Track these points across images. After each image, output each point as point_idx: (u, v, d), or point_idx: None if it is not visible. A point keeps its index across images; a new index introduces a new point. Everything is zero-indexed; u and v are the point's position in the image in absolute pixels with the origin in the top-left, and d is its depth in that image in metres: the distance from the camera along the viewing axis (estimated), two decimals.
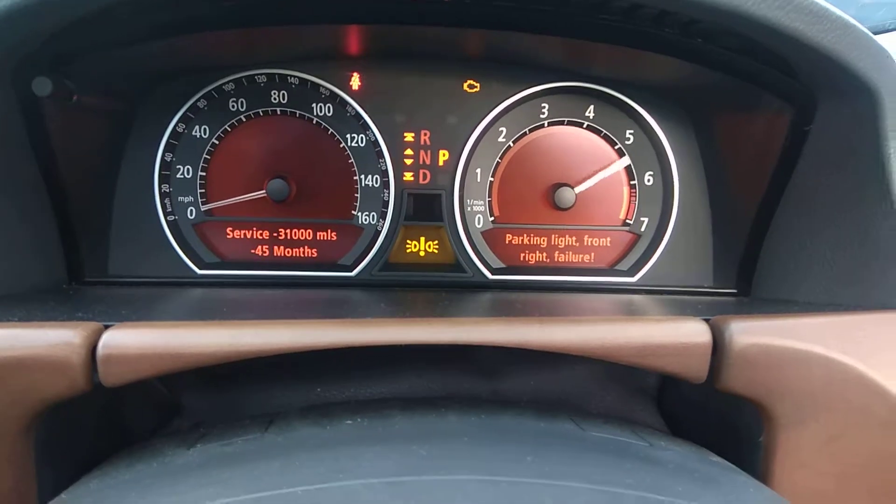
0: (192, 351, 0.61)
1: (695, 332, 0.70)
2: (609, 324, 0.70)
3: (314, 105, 1.09)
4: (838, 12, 0.73)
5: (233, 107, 1.08)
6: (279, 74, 1.07)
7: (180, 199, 1.08)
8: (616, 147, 1.13)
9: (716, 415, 0.85)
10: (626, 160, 1.13)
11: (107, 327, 0.63)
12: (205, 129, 1.07)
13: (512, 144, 1.12)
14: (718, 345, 0.70)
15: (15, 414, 0.62)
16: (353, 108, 1.09)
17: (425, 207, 1.12)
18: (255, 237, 1.11)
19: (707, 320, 0.72)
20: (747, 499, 0.57)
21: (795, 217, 0.92)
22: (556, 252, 1.15)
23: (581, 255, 1.15)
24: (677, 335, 0.70)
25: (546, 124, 1.12)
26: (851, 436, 0.72)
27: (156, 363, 0.61)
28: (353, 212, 1.11)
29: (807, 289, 0.89)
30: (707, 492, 0.56)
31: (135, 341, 0.62)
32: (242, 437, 0.63)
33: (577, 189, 1.10)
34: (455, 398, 0.75)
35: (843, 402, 0.72)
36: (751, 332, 0.70)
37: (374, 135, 1.09)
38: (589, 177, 1.12)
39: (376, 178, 1.11)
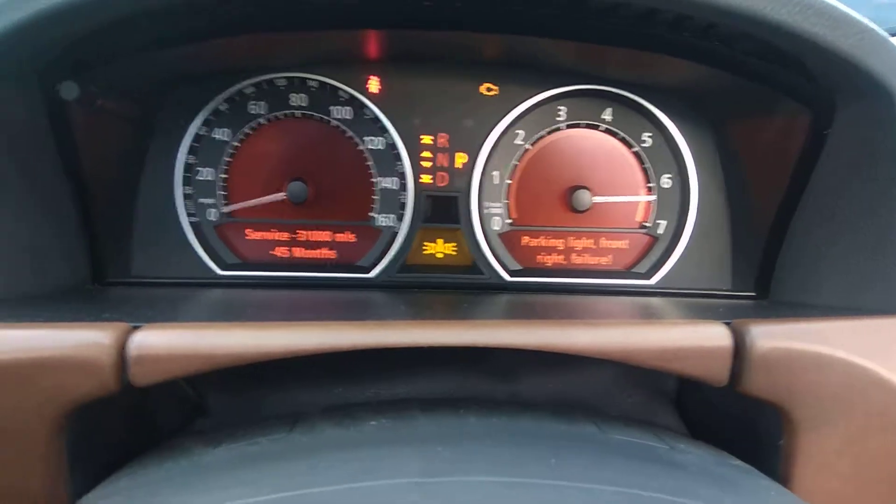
0: (222, 351, 0.62)
1: (716, 335, 0.71)
2: (630, 327, 0.70)
3: (333, 108, 1.10)
4: (858, 16, 0.74)
5: (253, 110, 1.09)
6: (299, 78, 1.08)
7: (202, 200, 1.09)
8: (633, 150, 1.13)
9: (735, 418, 0.85)
10: (653, 196, 1.13)
11: (136, 328, 0.64)
12: (226, 132, 1.08)
13: (529, 147, 1.13)
14: (739, 348, 0.70)
15: (46, 414, 0.63)
16: (372, 111, 1.10)
17: (443, 209, 1.12)
18: (274, 238, 1.12)
19: (728, 324, 0.72)
20: (769, 502, 0.58)
21: (814, 220, 0.92)
22: (573, 254, 1.15)
23: (598, 258, 1.15)
24: (698, 338, 0.70)
25: (563, 127, 1.13)
26: (872, 439, 0.72)
27: (185, 363, 0.63)
28: (370, 214, 1.12)
29: (825, 292, 0.89)
30: (730, 495, 0.56)
31: (164, 342, 0.63)
32: (268, 437, 0.64)
33: (596, 199, 1.11)
34: (475, 400, 0.76)
35: (863, 405, 0.72)
36: (772, 336, 0.70)
37: (392, 137, 1.10)
38: (606, 181, 1.12)
39: (394, 181, 1.12)
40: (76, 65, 0.86)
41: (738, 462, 0.68)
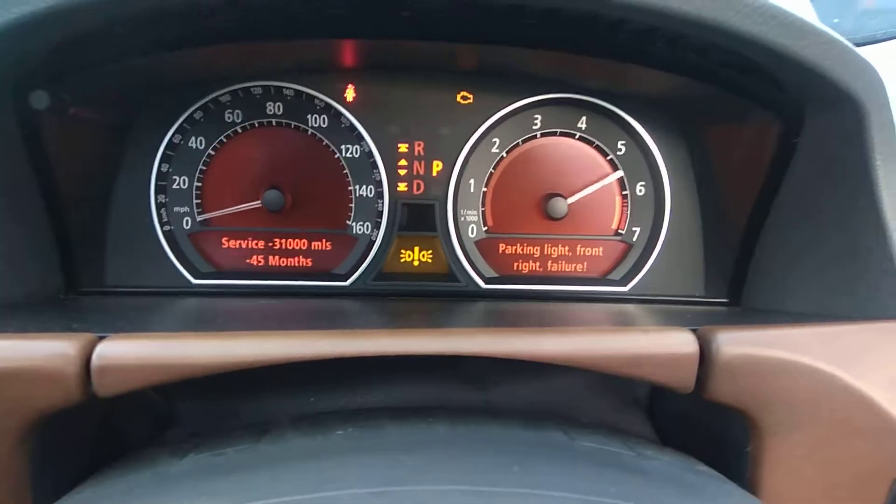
0: (186, 362, 0.62)
1: (682, 342, 0.71)
2: (597, 334, 0.71)
3: (309, 116, 1.10)
4: (822, 27, 0.75)
5: (229, 118, 1.09)
6: (275, 87, 1.09)
7: (176, 209, 1.09)
8: (608, 158, 1.14)
9: (705, 425, 0.86)
10: (619, 173, 1.14)
11: (101, 338, 0.64)
12: (201, 141, 1.08)
13: (505, 155, 1.14)
14: (705, 355, 0.71)
15: (10, 425, 0.63)
16: (348, 120, 1.10)
17: (419, 217, 1.13)
18: (250, 247, 1.12)
19: (694, 330, 0.73)
20: None
21: (785, 228, 0.94)
22: (549, 262, 1.16)
23: (574, 265, 1.16)
24: (664, 345, 0.71)
25: (539, 135, 1.13)
26: (837, 445, 0.73)
27: (150, 374, 0.62)
28: (347, 222, 1.13)
29: (797, 299, 0.90)
30: (692, 501, 0.57)
31: (129, 352, 0.63)
32: (234, 448, 0.64)
33: (570, 200, 1.11)
34: (446, 408, 0.76)
35: (828, 411, 0.72)
36: (737, 343, 0.71)
37: (369, 146, 1.10)
38: (581, 188, 1.13)
39: (370, 189, 1.12)
40: (51, 73, 0.86)
41: (705, 468, 0.68)
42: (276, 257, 1.12)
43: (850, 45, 0.76)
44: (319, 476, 0.53)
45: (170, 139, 1.07)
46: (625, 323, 0.88)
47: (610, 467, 0.61)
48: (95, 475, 0.65)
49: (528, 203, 1.14)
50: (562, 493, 0.51)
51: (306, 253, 1.13)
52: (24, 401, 0.62)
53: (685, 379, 0.71)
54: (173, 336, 0.64)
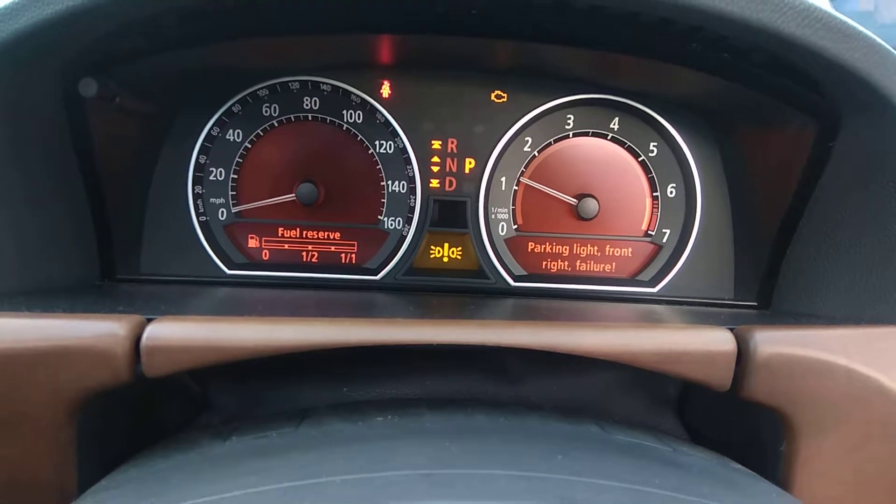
0: (233, 344, 0.63)
1: (719, 340, 0.71)
2: (635, 329, 0.71)
3: (345, 112, 1.12)
4: (864, 31, 0.75)
5: (266, 112, 1.10)
6: (312, 81, 1.10)
7: (212, 200, 1.11)
8: (640, 159, 1.14)
9: (736, 424, 0.86)
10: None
11: (150, 320, 0.65)
12: (238, 133, 1.10)
13: (537, 154, 1.14)
14: (742, 353, 0.71)
15: (59, 402, 0.64)
16: (383, 116, 1.11)
17: (450, 214, 1.14)
18: (283, 239, 1.13)
19: (731, 329, 0.73)
20: (771, 503, 0.58)
21: (818, 232, 0.93)
22: (578, 261, 1.16)
23: (603, 265, 1.16)
24: (702, 343, 0.71)
25: (571, 135, 1.14)
26: (872, 447, 0.73)
27: (197, 355, 0.64)
28: (379, 217, 1.14)
29: (828, 303, 0.90)
30: (732, 495, 0.57)
31: (177, 334, 0.64)
32: (276, 431, 0.65)
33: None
34: (481, 401, 0.77)
35: (864, 413, 0.72)
36: (775, 342, 0.71)
37: (403, 142, 1.12)
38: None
39: (403, 185, 1.13)
40: (98, 62, 0.87)
41: (739, 466, 0.68)
42: (309, 250, 1.13)
43: (891, 49, 0.76)
44: (367, 458, 0.53)
45: (208, 131, 1.09)
46: (657, 321, 0.88)
47: (649, 460, 0.61)
48: (138, 455, 0.66)
49: (558, 202, 1.15)
50: (608, 482, 0.51)
51: (338, 246, 1.14)
52: (73, 379, 0.64)
53: (722, 377, 0.71)
54: (221, 319, 0.66)
